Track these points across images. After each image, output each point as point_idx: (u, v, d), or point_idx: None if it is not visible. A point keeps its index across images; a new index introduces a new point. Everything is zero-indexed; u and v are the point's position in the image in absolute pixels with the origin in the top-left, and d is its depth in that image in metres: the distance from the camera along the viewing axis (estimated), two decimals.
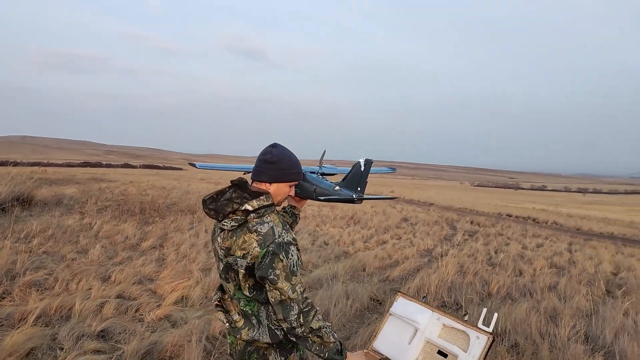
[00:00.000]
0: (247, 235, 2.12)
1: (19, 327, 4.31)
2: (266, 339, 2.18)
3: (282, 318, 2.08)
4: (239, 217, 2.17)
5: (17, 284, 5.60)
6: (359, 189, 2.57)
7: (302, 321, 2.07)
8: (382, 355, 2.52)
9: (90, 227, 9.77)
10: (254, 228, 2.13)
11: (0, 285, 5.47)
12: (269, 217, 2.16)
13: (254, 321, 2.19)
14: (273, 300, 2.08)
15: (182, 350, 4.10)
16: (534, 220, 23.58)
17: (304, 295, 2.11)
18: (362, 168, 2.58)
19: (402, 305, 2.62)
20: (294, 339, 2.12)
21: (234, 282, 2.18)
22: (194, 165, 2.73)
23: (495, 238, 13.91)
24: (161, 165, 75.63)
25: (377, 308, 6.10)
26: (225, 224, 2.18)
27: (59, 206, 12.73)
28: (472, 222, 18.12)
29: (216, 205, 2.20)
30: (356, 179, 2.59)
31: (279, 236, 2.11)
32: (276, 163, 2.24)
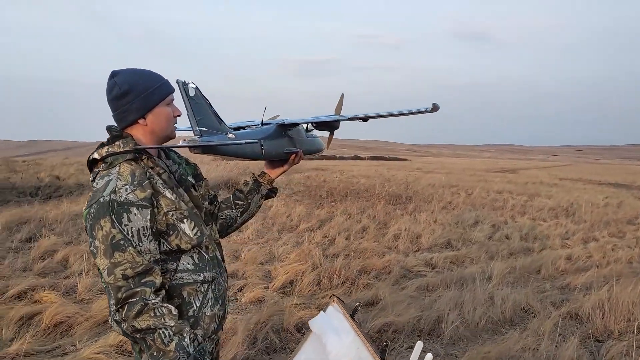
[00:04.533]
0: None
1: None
2: (116, 328, 1.62)
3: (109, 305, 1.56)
4: (96, 170, 1.66)
5: None
6: (197, 128, 1.65)
7: (123, 315, 1.48)
8: None
9: (268, 209, 10.20)
10: (94, 183, 1.60)
11: None
12: (117, 168, 1.58)
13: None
14: None
15: (228, 340, 3.65)
16: None
17: (137, 280, 1.50)
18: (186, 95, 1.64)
19: (325, 319, 1.66)
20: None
21: None
22: None
23: None
24: (387, 156, 77.92)
25: (524, 321, 4.61)
26: (90, 178, 1.68)
27: None
28: None
29: None
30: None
31: (112, 192, 1.51)
32: (131, 90, 1.62)
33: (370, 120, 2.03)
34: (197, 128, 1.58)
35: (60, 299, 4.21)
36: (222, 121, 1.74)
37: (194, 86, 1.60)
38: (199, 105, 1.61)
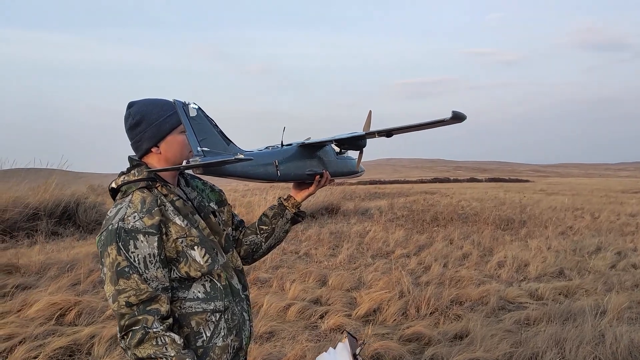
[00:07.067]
0: None
1: None
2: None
3: None
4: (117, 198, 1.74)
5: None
6: (198, 148, 1.57)
7: (127, 343, 1.50)
8: None
9: (365, 234, 10.08)
10: (109, 211, 1.67)
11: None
12: (130, 196, 1.63)
13: None
14: None
15: None
16: None
17: (141, 308, 1.51)
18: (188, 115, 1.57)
19: (332, 357, 1.53)
20: None
21: None
22: None
23: None
24: (507, 178, 73.29)
25: None
26: None
27: (363, 215, 13.74)
28: None
29: None
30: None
31: (121, 220, 1.56)
32: (144, 119, 1.67)
33: (394, 134, 1.88)
34: (199, 148, 1.57)
35: None
36: (231, 142, 1.71)
37: (196, 107, 1.59)
38: (201, 125, 1.59)
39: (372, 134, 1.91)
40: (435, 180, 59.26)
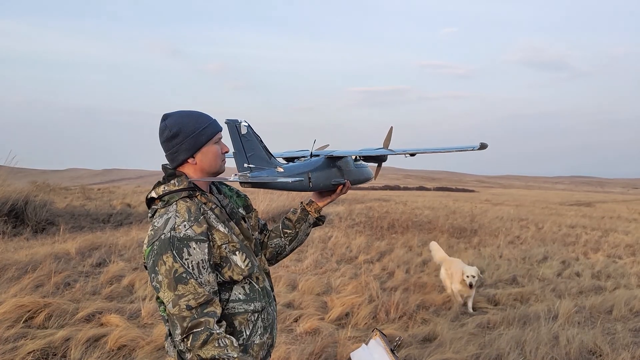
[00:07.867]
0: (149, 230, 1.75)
1: None
2: (173, 354, 1.72)
3: (171, 335, 1.68)
4: (154, 207, 1.81)
5: None
6: (245, 165, 1.73)
7: (188, 344, 1.57)
8: None
9: (328, 239, 10.29)
10: (153, 221, 1.74)
11: None
12: (174, 206, 1.71)
13: (168, 331, 1.77)
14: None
15: None
16: None
17: (200, 311, 1.59)
18: (241, 133, 1.74)
19: (366, 352, 1.70)
20: None
21: None
22: None
23: None
24: (454, 187, 76.00)
25: None
26: (149, 214, 1.83)
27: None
28: None
29: None
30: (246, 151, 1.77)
31: (172, 229, 1.64)
32: (180, 132, 1.76)
33: (417, 155, 2.09)
34: (247, 165, 1.70)
35: (124, 322, 4.44)
36: (272, 155, 1.86)
37: (246, 124, 1.72)
38: (250, 142, 1.73)
39: (401, 154, 2.11)
40: (386, 188, 60.53)
